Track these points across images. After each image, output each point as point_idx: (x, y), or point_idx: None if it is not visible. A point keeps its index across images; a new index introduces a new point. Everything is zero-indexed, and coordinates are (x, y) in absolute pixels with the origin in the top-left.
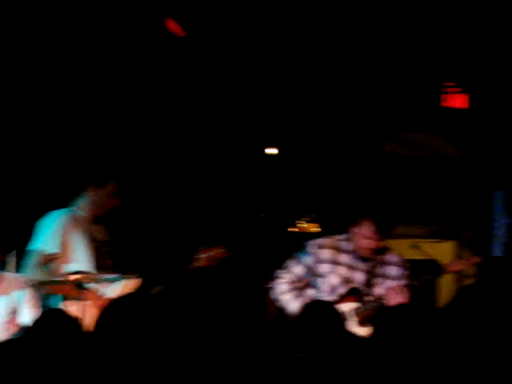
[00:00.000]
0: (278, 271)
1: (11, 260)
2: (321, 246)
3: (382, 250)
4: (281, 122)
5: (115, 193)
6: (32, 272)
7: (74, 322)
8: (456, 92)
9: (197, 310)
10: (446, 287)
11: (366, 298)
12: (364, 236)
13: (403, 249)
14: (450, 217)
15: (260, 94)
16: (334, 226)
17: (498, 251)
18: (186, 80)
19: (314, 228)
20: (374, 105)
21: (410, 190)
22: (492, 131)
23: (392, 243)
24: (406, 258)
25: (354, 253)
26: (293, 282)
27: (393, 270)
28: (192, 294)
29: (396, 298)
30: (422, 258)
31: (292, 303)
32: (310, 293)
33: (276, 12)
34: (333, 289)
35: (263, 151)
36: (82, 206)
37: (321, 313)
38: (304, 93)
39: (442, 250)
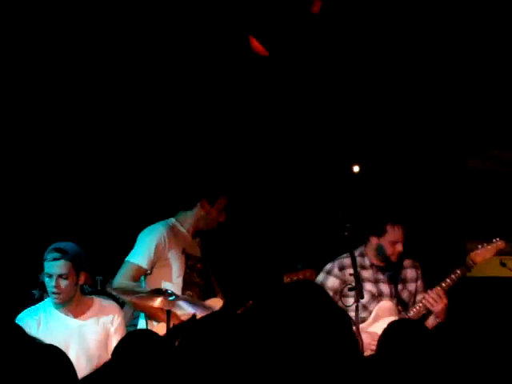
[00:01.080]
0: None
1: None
2: (343, 267)
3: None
4: (366, 138)
5: (223, 209)
6: (122, 283)
7: (161, 341)
8: None
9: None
10: None
11: (399, 308)
12: (394, 241)
13: (491, 266)
14: None
15: (344, 113)
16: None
17: None
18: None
19: None
20: (461, 122)
21: (497, 206)
22: None
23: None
24: (494, 275)
25: (372, 266)
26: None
27: (409, 273)
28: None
29: (441, 303)
30: (509, 275)
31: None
32: None
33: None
34: (364, 307)
35: (350, 169)
36: (186, 220)
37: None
38: (389, 109)
39: None
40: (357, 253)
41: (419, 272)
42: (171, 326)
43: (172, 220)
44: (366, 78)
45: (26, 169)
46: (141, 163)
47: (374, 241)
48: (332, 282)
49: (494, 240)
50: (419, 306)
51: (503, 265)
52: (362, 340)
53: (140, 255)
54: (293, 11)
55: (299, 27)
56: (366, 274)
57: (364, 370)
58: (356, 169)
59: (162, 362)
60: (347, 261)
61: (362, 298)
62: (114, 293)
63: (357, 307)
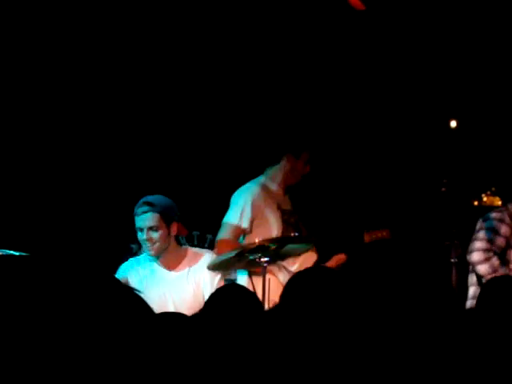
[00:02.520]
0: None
1: (196, 235)
2: (501, 220)
3: None
4: (464, 94)
5: (308, 162)
6: (222, 245)
7: (253, 296)
8: None
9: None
10: None
11: None
12: None
13: None
14: None
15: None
16: None
17: None
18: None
19: (497, 201)
20: None
21: None
22: None
23: None
24: None
25: None
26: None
27: None
28: (369, 268)
29: None
30: None
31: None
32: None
33: None
34: None
35: (446, 124)
36: (275, 176)
37: None
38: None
39: None
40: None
41: None
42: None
43: (262, 178)
44: None
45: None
46: (232, 122)
47: None
48: (504, 230)
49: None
50: None
51: None
52: None
53: (237, 215)
54: None
55: None
56: None
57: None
58: (453, 124)
59: (253, 320)
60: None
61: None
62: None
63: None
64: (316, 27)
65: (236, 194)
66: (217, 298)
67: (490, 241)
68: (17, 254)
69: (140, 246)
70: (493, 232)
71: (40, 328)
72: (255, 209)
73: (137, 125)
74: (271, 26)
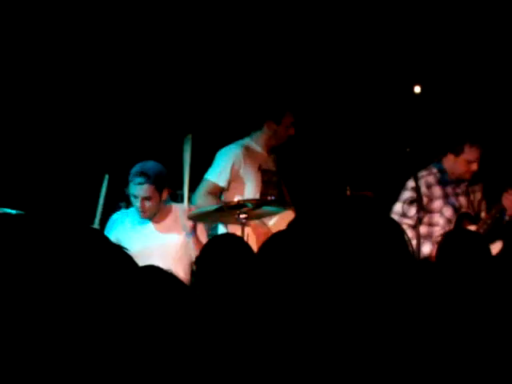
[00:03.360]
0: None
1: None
2: (429, 185)
3: None
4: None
5: (291, 124)
6: (201, 199)
7: (247, 245)
8: None
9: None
10: None
11: (478, 218)
12: (469, 161)
13: None
14: None
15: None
16: None
17: None
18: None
19: None
20: None
21: None
22: None
23: None
24: None
25: (451, 181)
26: (413, 226)
27: (476, 187)
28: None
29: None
30: None
31: (423, 246)
32: (423, 230)
33: None
34: (449, 221)
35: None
36: (259, 139)
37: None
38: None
39: None
40: (435, 169)
41: (481, 185)
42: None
43: (247, 140)
44: None
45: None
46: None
47: (451, 158)
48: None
49: None
50: (491, 213)
51: None
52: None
53: (217, 173)
54: None
55: None
56: (449, 189)
57: (417, 273)
58: (417, 89)
59: (247, 266)
60: (431, 178)
61: (423, 210)
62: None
63: (418, 218)
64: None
65: (219, 153)
66: (213, 246)
67: (402, 214)
68: (13, 212)
69: (128, 204)
70: (403, 203)
71: (33, 282)
72: (234, 171)
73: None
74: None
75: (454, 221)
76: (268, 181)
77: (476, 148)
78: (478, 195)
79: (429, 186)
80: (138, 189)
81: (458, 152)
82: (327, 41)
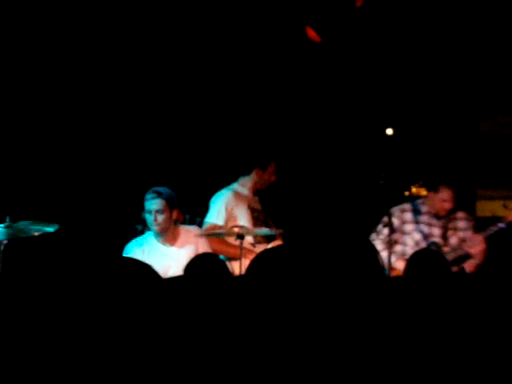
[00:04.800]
0: (372, 235)
1: (188, 218)
2: (403, 210)
3: (453, 209)
4: (397, 105)
5: (274, 172)
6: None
7: (224, 265)
8: None
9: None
10: None
11: (444, 249)
12: (443, 200)
13: (495, 208)
14: None
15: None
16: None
17: None
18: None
19: (423, 192)
20: (474, 94)
21: (502, 161)
22: None
23: (486, 203)
24: (497, 215)
25: (430, 213)
26: (385, 242)
27: (462, 224)
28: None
29: (477, 246)
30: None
31: (397, 263)
32: (398, 248)
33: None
34: (417, 243)
35: (383, 132)
36: (246, 183)
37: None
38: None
39: None
40: (420, 201)
41: (471, 224)
42: (244, 254)
43: (235, 185)
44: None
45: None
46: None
47: (430, 195)
48: (393, 222)
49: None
50: (459, 248)
51: (505, 207)
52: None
53: (214, 215)
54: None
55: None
56: (422, 218)
57: (388, 289)
58: (389, 132)
59: (225, 285)
60: (407, 206)
61: (393, 232)
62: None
63: (389, 241)
64: (276, 50)
65: (213, 198)
66: (195, 264)
67: (378, 232)
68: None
69: (144, 226)
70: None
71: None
72: (228, 212)
73: (141, 124)
74: (238, 49)
75: (422, 245)
76: (257, 217)
77: (449, 190)
78: (461, 234)
79: (402, 211)
80: (152, 203)
81: (435, 191)
82: (303, 93)
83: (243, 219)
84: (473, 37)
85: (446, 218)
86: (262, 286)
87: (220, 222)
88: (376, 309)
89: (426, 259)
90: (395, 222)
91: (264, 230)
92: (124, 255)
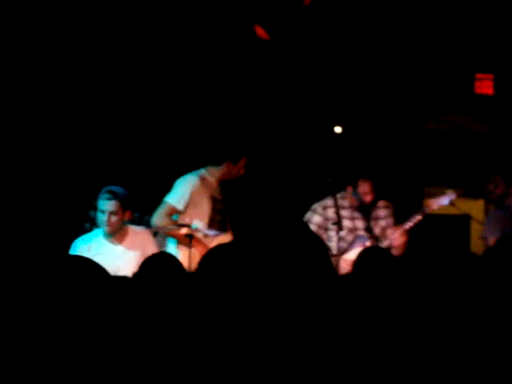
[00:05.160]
0: None
1: (136, 216)
2: (325, 207)
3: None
4: (346, 104)
5: (243, 166)
6: (158, 218)
7: (179, 263)
8: (485, 79)
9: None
10: (476, 242)
11: (370, 241)
12: (364, 193)
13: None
14: (481, 180)
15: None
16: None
17: None
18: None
19: None
20: (421, 93)
21: (449, 159)
22: None
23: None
24: (445, 213)
25: (352, 206)
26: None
27: (382, 212)
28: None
29: (399, 239)
30: (458, 213)
31: None
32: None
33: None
34: (341, 238)
35: (332, 129)
36: (214, 173)
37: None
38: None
39: (474, 207)
40: (339, 196)
41: (390, 211)
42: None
43: (203, 171)
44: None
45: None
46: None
47: (349, 189)
48: (316, 219)
49: (447, 191)
50: (382, 241)
51: (452, 204)
52: (339, 264)
53: (176, 198)
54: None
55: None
56: (345, 212)
57: (339, 287)
58: (338, 130)
59: (180, 284)
60: (329, 202)
61: (342, 230)
62: (153, 229)
63: (338, 238)
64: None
65: (180, 180)
66: (149, 264)
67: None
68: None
69: (92, 225)
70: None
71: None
72: (192, 196)
73: (87, 120)
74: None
75: (347, 239)
76: (216, 208)
77: (367, 182)
78: (383, 222)
79: (325, 208)
80: (106, 204)
81: (355, 185)
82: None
83: (203, 209)
84: (419, 37)
85: (367, 209)
86: (212, 284)
87: (180, 206)
88: (329, 306)
89: (374, 256)
90: (318, 219)
91: (213, 232)
92: (71, 252)
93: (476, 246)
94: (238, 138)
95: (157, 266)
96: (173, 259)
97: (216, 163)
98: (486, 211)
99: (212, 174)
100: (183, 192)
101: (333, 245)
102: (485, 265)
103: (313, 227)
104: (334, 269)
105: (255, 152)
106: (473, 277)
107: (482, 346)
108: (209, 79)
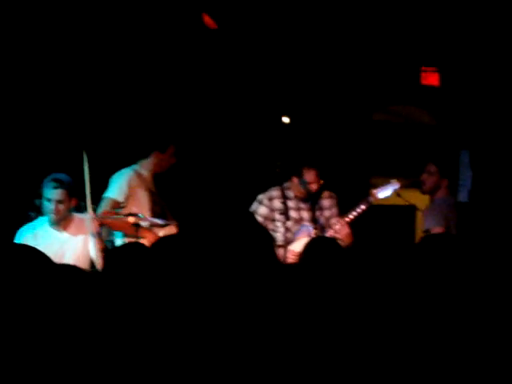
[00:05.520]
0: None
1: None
2: (271, 198)
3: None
4: (294, 94)
5: (173, 154)
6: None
7: (148, 253)
8: (431, 71)
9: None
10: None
11: (316, 232)
12: (308, 182)
13: (389, 196)
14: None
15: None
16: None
17: (463, 198)
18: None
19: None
20: (368, 84)
21: (395, 151)
22: (459, 104)
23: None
24: (391, 203)
25: (297, 197)
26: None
27: (326, 202)
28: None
29: (343, 230)
30: (403, 203)
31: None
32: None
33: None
34: (287, 229)
35: (279, 119)
36: (145, 166)
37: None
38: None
39: (419, 197)
40: (285, 186)
41: (334, 201)
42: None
43: (136, 166)
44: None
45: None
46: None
47: (295, 180)
48: (262, 210)
49: (391, 181)
50: (332, 231)
51: (398, 195)
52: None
53: (116, 191)
54: None
55: None
56: (291, 203)
57: (284, 276)
58: (286, 120)
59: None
60: (275, 193)
61: (288, 219)
62: (100, 220)
63: (285, 229)
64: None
65: (115, 175)
66: (120, 254)
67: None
68: None
69: (37, 214)
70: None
71: None
72: (130, 188)
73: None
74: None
75: (293, 230)
76: (154, 200)
77: (312, 170)
78: (327, 213)
79: (270, 199)
80: (53, 193)
81: (299, 174)
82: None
83: (143, 201)
84: (367, 28)
85: (312, 199)
86: (162, 272)
87: (121, 198)
88: (272, 296)
89: (320, 247)
90: (264, 210)
91: (159, 221)
92: (16, 241)
93: (421, 235)
94: (161, 127)
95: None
96: (144, 249)
97: (144, 155)
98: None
99: (144, 167)
100: (121, 185)
101: (279, 235)
102: (421, 254)
103: (259, 218)
104: (278, 259)
105: (196, 143)
106: (413, 266)
107: (427, 333)
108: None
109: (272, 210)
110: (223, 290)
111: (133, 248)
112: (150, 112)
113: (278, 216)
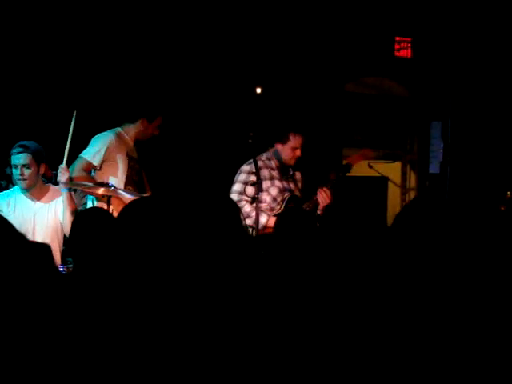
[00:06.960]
0: (233, 195)
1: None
2: (259, 168)
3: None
4: (266, 65)
5: (158, 126)
6: (75, 173)
7: (112, 218)
8: (404, 42)
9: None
10: (393, 203)
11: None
12: (294, 147)
13: (362, 167)
14: (398, 142)
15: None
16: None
17: (434, 169)
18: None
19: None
20: (340, 55)
21: (367, 122)
22: (431, 76)
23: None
24: (364, 175)
25: (278, 168)
26: (250, 202)
27: (297, 174)
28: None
29: (325, 201)
30: (376, 175)
31: (261, 218)
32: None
33: None
34: (274, 199)
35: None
36: (129, 131)
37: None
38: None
39: (392, 169)
40: (264, 157)
41: (300, 174)
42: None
43: (119, 129)
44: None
45: None
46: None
47: (278, 147)
48: (252, 178)
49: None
50: (309, 202)
51: (370, 167)
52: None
53: (92, 154)
54: None
55: None
56: (274, 173)
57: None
58: (258, 90)
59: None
60: (260, 163)
61: (261, 191)
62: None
63: (257, 198)
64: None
65: (96, 136)
66: (85, 218)
67: (241, 193)
68: None
69: (8, 183)
70: (243, 184)
71: None
72: (108, 153)
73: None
74: None
75: (279, 200)
76: (133, 166)
77: (299, 136)
78: (300, 184)
79: (259, 169)
80: (18, 157)
81: (284, 141)
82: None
83: (120, 166)
84: None
85: (290, 171)
86: (130, 239)
87: (96, 162)
88: (242, 266)
89: (294, 216)
90: (252, 178)
91: (131, 193)
92: None
93: (393, 206)
94: (153, 96)
95: (90, 221)
96: (107, 214)
97: (131, 120)
98: (403, 174)
99: (127, 131)
100: (99, 147)
101: (265, 205)
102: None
103: (250, 189)
104: (245, 230)
105: (175, 113)
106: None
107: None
108: (131, 39)
109: (251, 181)
110: (190, 254)
111: (97, 213)
112: (142, 81)
113: (264, 185)
